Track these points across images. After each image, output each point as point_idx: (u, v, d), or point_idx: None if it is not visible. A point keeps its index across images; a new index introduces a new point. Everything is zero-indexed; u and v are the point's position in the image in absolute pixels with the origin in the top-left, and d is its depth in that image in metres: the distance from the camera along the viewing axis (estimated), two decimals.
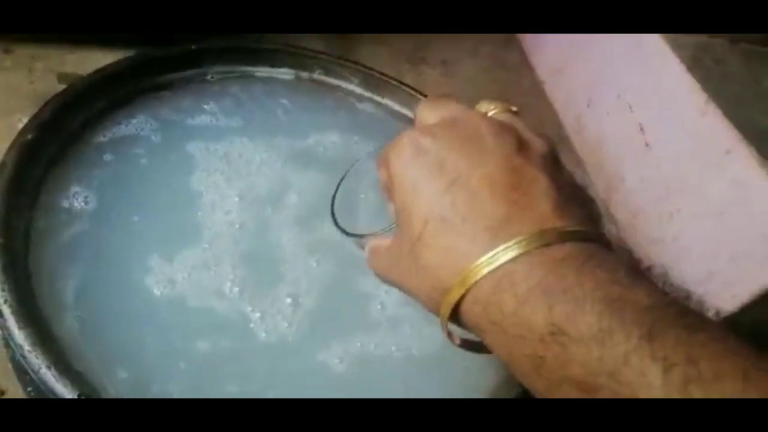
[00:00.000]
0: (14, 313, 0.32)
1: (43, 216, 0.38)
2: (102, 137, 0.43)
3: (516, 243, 0.24)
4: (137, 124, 0.44)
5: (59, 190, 0.40)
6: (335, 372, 0.36)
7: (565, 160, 0.76)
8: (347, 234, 0.33)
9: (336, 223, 0.33)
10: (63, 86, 0.43)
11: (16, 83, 0.55)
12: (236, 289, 0.37)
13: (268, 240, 0.40)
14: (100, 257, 0.37)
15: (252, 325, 0.36)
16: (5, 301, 0.32)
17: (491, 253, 0.24)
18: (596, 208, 0.30)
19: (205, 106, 0.46)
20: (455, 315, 0.26)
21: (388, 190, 0.30)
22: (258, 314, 0.37)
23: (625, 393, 0.20)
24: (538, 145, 0.28)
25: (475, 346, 0.29)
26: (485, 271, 0.24)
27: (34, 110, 0.41)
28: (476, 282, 0.24)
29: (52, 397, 0.31)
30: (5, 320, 0.32)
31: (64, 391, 0.30)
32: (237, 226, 0.40)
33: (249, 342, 0.35)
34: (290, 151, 0.45)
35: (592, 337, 0.21)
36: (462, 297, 0.25)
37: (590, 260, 0.24)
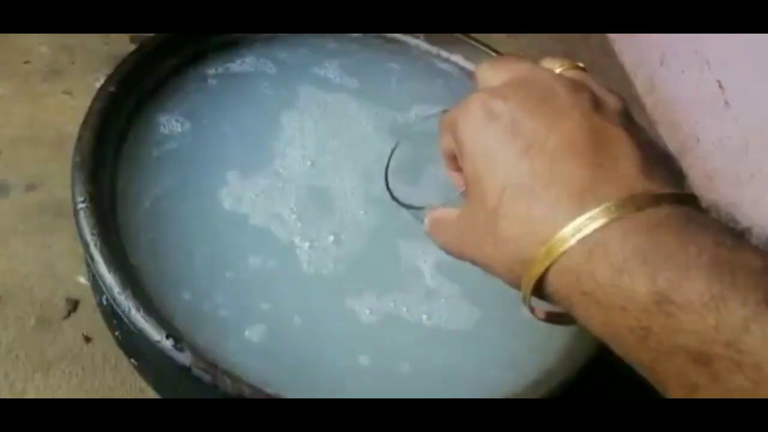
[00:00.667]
0: (104, 257, 0.33)
1: (126, 167, 0.39)
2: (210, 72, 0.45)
3: (605, 208, 0.23)
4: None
5: (140, 142, 0.41)
6: (361, 321, 0.37)
7: (637, 122, 0.74)
8: (403, 205, 0.32)
9: (391, 194, 0.33)
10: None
11: (93, 45, 0.57)
12: (293, 217, 0.40)
13: (332, 182, 0.42)
14: (180, 196, 0.39)
15: (298, 252, 0.39)
16: (95, 245, 0.33)
17: (579, 220, 0.23)
18: (679, 165, 0.28)
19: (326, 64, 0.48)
20: (538, 287, 0.25)
21: (452, 158, 0.29)
22: (306, 244, 0.39)
23: (748, 362, 0.19)
24: (613, 102, 0.27)
25: (560, 318, 0.28)
26: (574, 240, 0.23)
27: (110, 70, 0.43)
28: (564, 252, 0.23)
29: (139, 338, 0.32)
30: (96, 264, 0.33)
31: (153, 332, 0.31)
32: (309, 163, 0.43)
33: (292, 268, 0.38)
34: (388, 119, 0.46)
35: (703, 305, 0.20)
36: (548, 268, 0.24)
37: (690, 224, 0.22)
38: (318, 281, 0.38)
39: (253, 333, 0.35)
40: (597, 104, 0.26)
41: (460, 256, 0.29)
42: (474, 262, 0.28)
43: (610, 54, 0.77)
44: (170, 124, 0.42)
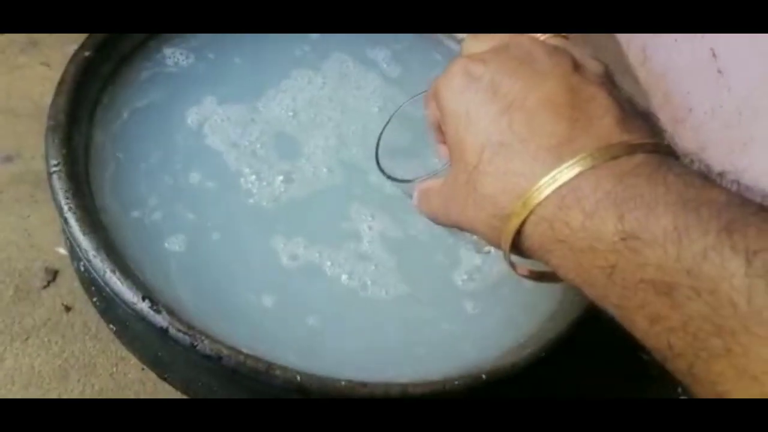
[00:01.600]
0: (79, 220, 0.32)
1: (101, 131, 0.38)
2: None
3: (581, 159, 0.23)
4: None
5: (116, 106, 0.40)
6: (280, 263, 0.37)
7: (629, 93, 0.73)
8: (392, 179, 0.32)
9: (381, 169, 0.33)
10: None
11: None
12: (250, 149, 0.41)
13: (306, 136, 0.43)
14: (158, 161, 0.39)
15: (242, 180, 0.40)
16: (69, 209, 0.33)
17: (555, 171, 0.23)
18: (657, 121, 0.27)
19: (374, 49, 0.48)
20: (517, 242, 0.25)
21: (437, 127, 0.30)
22: (253, 176, 0.40)
23: (706, 288, 0.20)
24: (593, 65, 0.27)
25: (540, 275, 0.28)
26: (549, 190, 0.23)
27: None
28: (540, 202, 0.24)
29: (116, 301, 0.31)
30: (71, 227, 0.32)
31: (130, 294, 0.31)
32: (291, 113, 0.43)
33: (230, 192, 0.39)
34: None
35: (666, 238, 0.21)
36: (525, 220, 0.24)
37: (661, 168, 0.23)
38: (251, 212, 0.38)
39: (174, 242, 0.36)
40: (576, 66, 0.26)
41: (446, 222, 0.29)
42: (459, 226, 0.28)
43: None
44: (149, 83, 0.42)
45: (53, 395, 0.38)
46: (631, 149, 0.23)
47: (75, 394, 0.38)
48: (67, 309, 0.41)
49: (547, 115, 0.24)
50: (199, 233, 0.36)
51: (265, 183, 0.39)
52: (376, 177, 0.40)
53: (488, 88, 0.26)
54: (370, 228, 0.39)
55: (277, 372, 0.30)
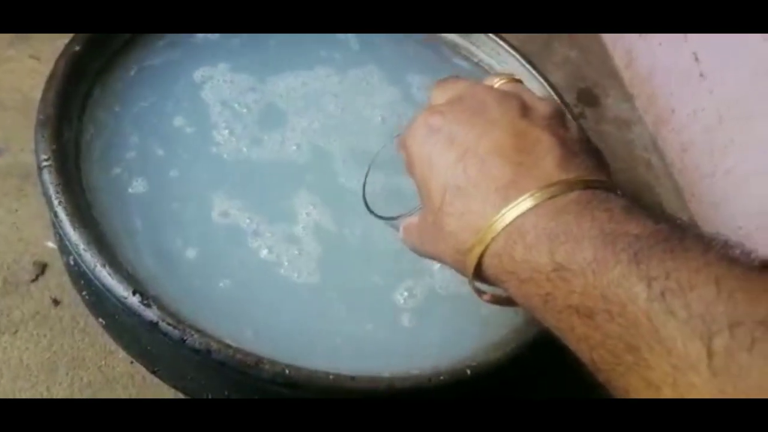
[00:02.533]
0: (69, 215, 0.33)
1: (91, 126, 0.39)
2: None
3: (524, 199, 0.26)
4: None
5: (106, 101, 0.40)
6: (211, 217, 0.38)
7: (614, 96, 0.74)
8: (380, 217, 0.35)
9: (368, 209, 0.35)
10: None
11: None
12: (243, 111, 0.43)
13: (289, 107, 0.45)
14: (147, 161, 0.39)
15: (215, 133, 0.42)
16: (60, 203, 0.33)
17: (503, 211, 0.26)
18: (603, 157, 0.31)
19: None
20: (478, 272, 0.28)
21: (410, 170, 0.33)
22: (226, 133, 0.42)
23: (617, 311, 0.23)
24: (541, 107, 0.30)
25: (503, 300, 0.31)
26: (499, 227, 0.26)
27: None
28: (493, 238, 0.27)
29: (106, 295, 0.32)
30: (61, 222, 0.33)
31: (120, 287, 0.31)
32: (292, 94, 0.45)
33: (202, 144, 0.41)
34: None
35: (587, 268, 0.24)
36: (482, 254, 0.27)
37: (590, 204, 0.26)
38: (210, 160, 0.40)
39: (138, 186, 0.38)
40: (525, 111, 0.29)
41: (423, 254, 0.33)
42: (433, 258, 0.32)
43: None
44: (122, 112, 0.41)
45: (42, 388, 0.38)
46: (568, 187, 0.26)
47: (63, 388, 0.39)
48: (56, 302, 0.41)
49: (496, 159, 0.28)
50: (160, 169, 0.38)
51: (233, 139, 0.41)
52: (342, 177, 0.42)
53: (446, 138, 0.29)
54: (307, 214, 0.39)
55: (266, 366, 0.31)
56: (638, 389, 0.22)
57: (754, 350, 0.19)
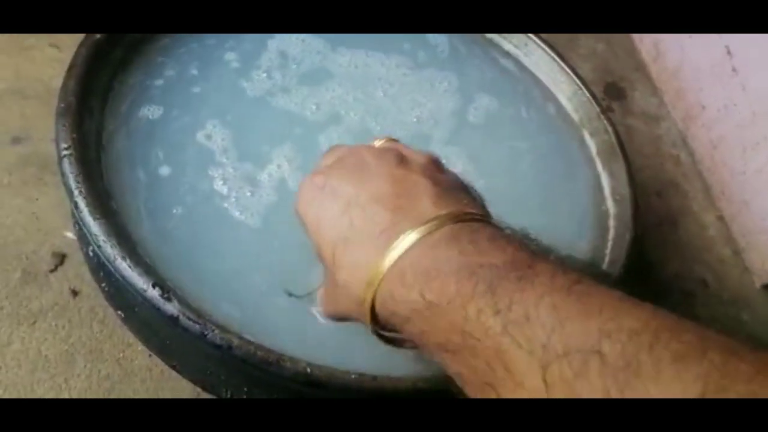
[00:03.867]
0: (89, 205, 0.32)
1: (112, 117, 0.38)
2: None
3: (402, 240, 0.27)
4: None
5: (127, 92, 0.39)
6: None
7: (641, 90, 0.72)
8: (297, 297, 0.34)
9: (289, 294, 0.35)
10: None
11: None
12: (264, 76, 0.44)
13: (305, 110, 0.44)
14: (167, 153, 0.38)
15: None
16: (80, 193, 0.32)
17: (386, 255, 0.27)
18: (477, 194, 0.32)
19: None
20: (376, 320, 0.28)
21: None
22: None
23: (477, 345, 0.23)
24: (417, 157, 0.31)
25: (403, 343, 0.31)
26: (383, 270, 0.26)
27: None
28: (379, 283, 0.27)
29: (126, 287, 0.31)
30: (81, 212, 0.32)
31: (140, 280, 0.30)
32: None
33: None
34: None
35: (452, 304, 0.24)
36: (373, 300, 0.27)
37: (458, 236, 0.26)
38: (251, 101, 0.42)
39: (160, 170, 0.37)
40: (402, 161, 0.31)
41: (334, 317, 0.33)
42: (343, 317, 0.32)
43: None
44: (157, 80, 0.41)
45: (60, 380, 0.38)
46: (441, 223, 0.27)
47: (81, 380, 0.38)
48: (74, 293, 0.41)
49: (377, 207, 0.28)
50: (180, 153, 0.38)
51: (267, 84, 0.42)
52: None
53: (330, 194, 0.30)
54: (278, 167, 0.40)
55: (287, 363, 0.30)
56: None
57: (586, 375, 0.20)
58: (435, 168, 0.31)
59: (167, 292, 0.30)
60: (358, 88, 0.44)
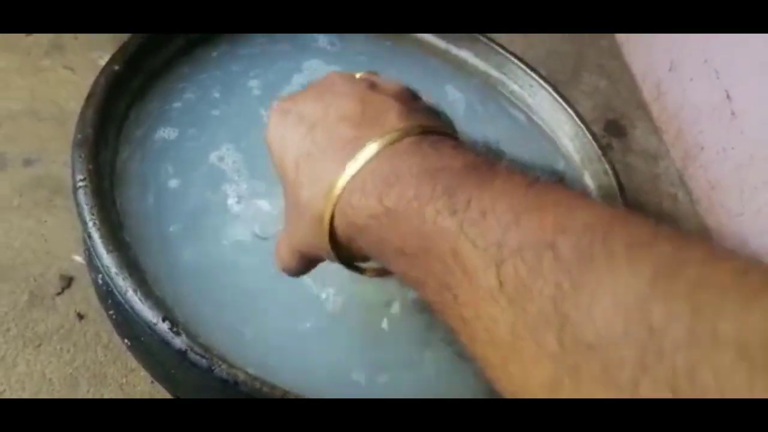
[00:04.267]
0: (102, 237, 0.33)
1: (127, 147, 0.39)
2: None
3: (364, 151, 0.26)
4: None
5: (143, 122, 0.40)
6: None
7: (641, 128, 0.73)
8: (263, 238, 0.35)
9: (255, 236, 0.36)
10: None
11: None
12: None
13: None
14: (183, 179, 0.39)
15: None
16: (94, 225, 0.33)
17: (346, 166, 0.26)
18: (448, 119, 0.31)
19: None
20: (334, 238, 0.27)
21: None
22: None
23: (433, 247, 0.23)
24: (391, 84, 0.30)
25: (383, 271, 0.30)
26: (344, 182, 0.26)
27: (113, 47, 0.42)
28: (338, 195, 0.26)
29: (134, 319, 0.32)
30: (94, 243, 0.33)
31: (150, 314, 0.31)
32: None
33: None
34: None
35: (409, 207, 0.24)
36: (332, 216, 0.27)
37: (422, 144, 0.26)
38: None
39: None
40: (373, 86, 0.30)
41: (291, 258, 0.31)
42: (300, 251, 0.31)
43: (618, 58, 0.77)
44: (176, 103, 0.42)
45: None
46: (405, 133, 0.26)
47: None
48: (80, 317, 0.42)
49: (343, 125, 0.28)
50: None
51: None
52: None
53: (296, 116, 0.29)
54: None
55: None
56: (457, 328, 0.22)
57: (539, 270, 0.19)
58: (409, 94, 0.30)
59: (176, 326, 0.31)
60: None
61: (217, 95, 0.43)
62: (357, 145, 0.26)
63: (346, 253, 0.28)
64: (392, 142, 0.26)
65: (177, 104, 0.42)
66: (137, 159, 0.39)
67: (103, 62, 0.43)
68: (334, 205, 0.26)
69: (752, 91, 0.61)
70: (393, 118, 0.27)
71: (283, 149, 0.29)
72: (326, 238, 0.27)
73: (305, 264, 0.31)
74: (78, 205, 0.34)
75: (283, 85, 0.45)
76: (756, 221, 0.60)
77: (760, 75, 0.60)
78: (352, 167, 0.26)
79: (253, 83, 0.44)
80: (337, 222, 0.27)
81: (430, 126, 0.27)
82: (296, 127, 0.29)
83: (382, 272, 0.30)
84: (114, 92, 0.39)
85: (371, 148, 0.26)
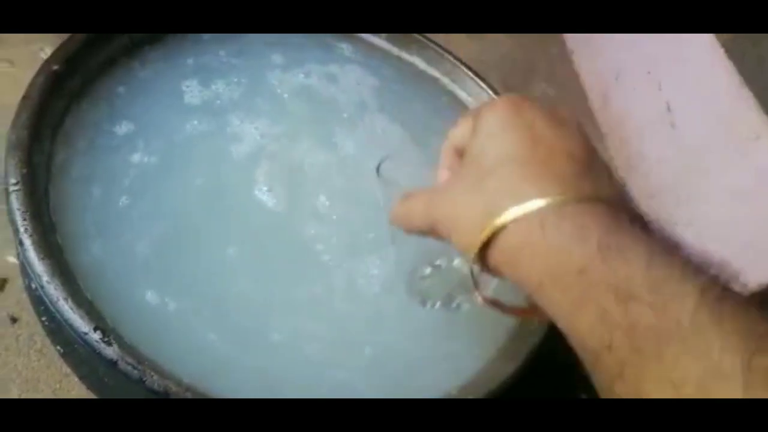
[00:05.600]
0: (35, 243, 0.32)
1: (64, 149, 0.38)
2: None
3: (574, 196, 0.28)
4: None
5: (80, 124, 0.39)
6: None
7: (588, 134, 0.75)
8: (383, 178, 0.35)
9: (378, 170, 0.36)
10: None
11: None
12: None
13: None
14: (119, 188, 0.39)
15: None
16: (26, 231, 0.32)
17: (556, 196, 0.27)
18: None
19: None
20: (488, 244, 0.28)
21: (452, 151, 0.34)
22: None
23: (658, 304, 0.24)
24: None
25: (495, 303, 0.32)
26: (551, 203, 0.27)
27: (56, 41, 0.41)
28: (533, 211, 0.27)
29: (66, 327, 0.31)
30: (26, 250, 0.32)
31: (81, 323, 0.31)
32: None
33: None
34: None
35: (640, 259, 0.25)
36: (513, 220, 0.28)
37: (636, 214, 0.29)
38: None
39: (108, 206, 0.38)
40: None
41: (420, 219, 0.32)
42: (434, 222, 0.32)
43: (568, 66, 0.78)
44: (115, 103, 0.41)
45: None
46: (613, 203, 0.28)
47: None
48: (14, 320, 0.41)
49: (566, 160, 0.29)
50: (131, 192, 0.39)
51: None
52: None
53: (526, 122, 0.30)
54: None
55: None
56: (653, 385, 0.23)
57: None
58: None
59: (108, 335, 0.31)
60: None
61: (157, 96, 0.43)
62: (575, 184, 0.28)
63: (484, 260, 0.29)
64: (603, 202, 0.27)
65: (117, 105, 0.41)
66: (74, 160, 0.38)
67: (44, 55, 0.42)
68: (524, 214, 0.27)
69: (691, 103, 0.64)
70: (608, 181, 0.29)
71: (500, 140, 0.30)
72: (485, 234, 0.28)
73: (425, 233, 0.32)
74: (10, 210, 0.33)
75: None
76: (687, 231, 0.62)
77: (698, 89, 0.63)
78: (556, 199, 0.27)
79: (190, 83, 0.44)
80: (511, 229, 0.28)
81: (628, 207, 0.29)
82: (522, 130, 0.30)
83: (496, 304, 0.32)
84: (51, 93, 0.38)
85: (576, 195, 0.27)
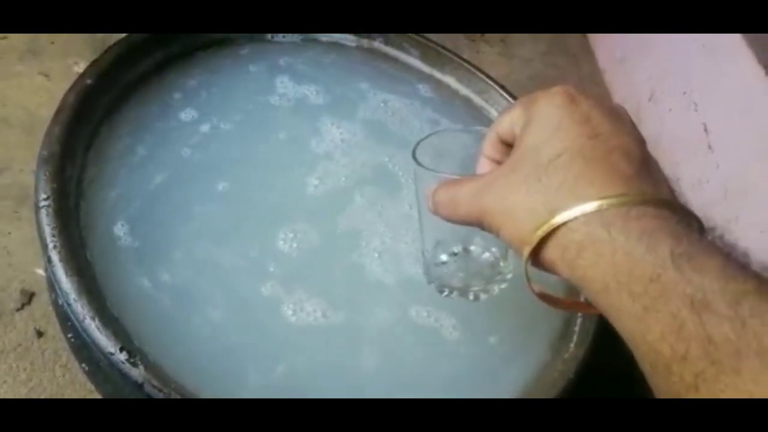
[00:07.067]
0: (62, 260, 0.32)
1: (95, 164, 0.38)
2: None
3: (638, 198, 0.27)
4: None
5: (113, 139, 0.39)
6: None
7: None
8: (426, 168, 0.34)
9: (414, 157, 0.34)
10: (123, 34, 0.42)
11: None
12: None
13: None
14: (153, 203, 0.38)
15: None
16: (54, 247, 0.32)
17: (621, 197, 0.27)
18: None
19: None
20: (547, 239, 0.28)
21: (498, 140, 0.33)
22: None
23: (738, 318, 0.23)
24: None
25: (549, 298, 0.31)
26: (616, 202, 0.27)
27: (91, 54, 0.41)
28: (607, 206, 0.27)
29: (92, 346, 0.31)
30: (53, 267, 0.32)
31: (107, 343, 0.30)
32: None
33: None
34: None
35: (715, 272, 0.24)
36: (575, 218, 0.27)
37: (677, 229, 0.27)
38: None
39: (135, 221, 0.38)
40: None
41: (465, 210, 0.31)
42: (483, 213, 0.30)
43: (600, 85, 0.77)
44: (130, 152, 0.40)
45: None
46: (675, 210, 0.28)
47: None
48: (39, 334, 0.41)
49: (624, 159, 0.28)
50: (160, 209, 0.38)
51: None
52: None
53: (583, 114, 0.29)
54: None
55: None
56: (727, 393, 0.23)
57: None
58: None
59: (134, 356, 0.30)
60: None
61: (194, 114, 0.42)
62: (635, 186, 0.27)
63: (537, 256, 0.28)
64: (664, 206, 0.27)
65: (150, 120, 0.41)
66: (105, 177, 0.38)
67: (78, 69, 0.42)
68: (591, 212, 0.27)
69: (729, 126, 0.62)
70: (665, 183, 0.29)
71: (556, 131, 0.29)
72: (543, 230, 0.28)
73: (468, 223, 0.31)
74: (39, 226, 0.33)
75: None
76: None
77: (737, 110, 0.61)
78: (620, 200, 0.27)
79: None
80: (574, 226, 0.27)
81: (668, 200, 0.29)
82: (580, 125, 0.29)
83: (549, 299, 0.31)
84: (84, 108, 0.38)
85: (639, 196, 0.27)
